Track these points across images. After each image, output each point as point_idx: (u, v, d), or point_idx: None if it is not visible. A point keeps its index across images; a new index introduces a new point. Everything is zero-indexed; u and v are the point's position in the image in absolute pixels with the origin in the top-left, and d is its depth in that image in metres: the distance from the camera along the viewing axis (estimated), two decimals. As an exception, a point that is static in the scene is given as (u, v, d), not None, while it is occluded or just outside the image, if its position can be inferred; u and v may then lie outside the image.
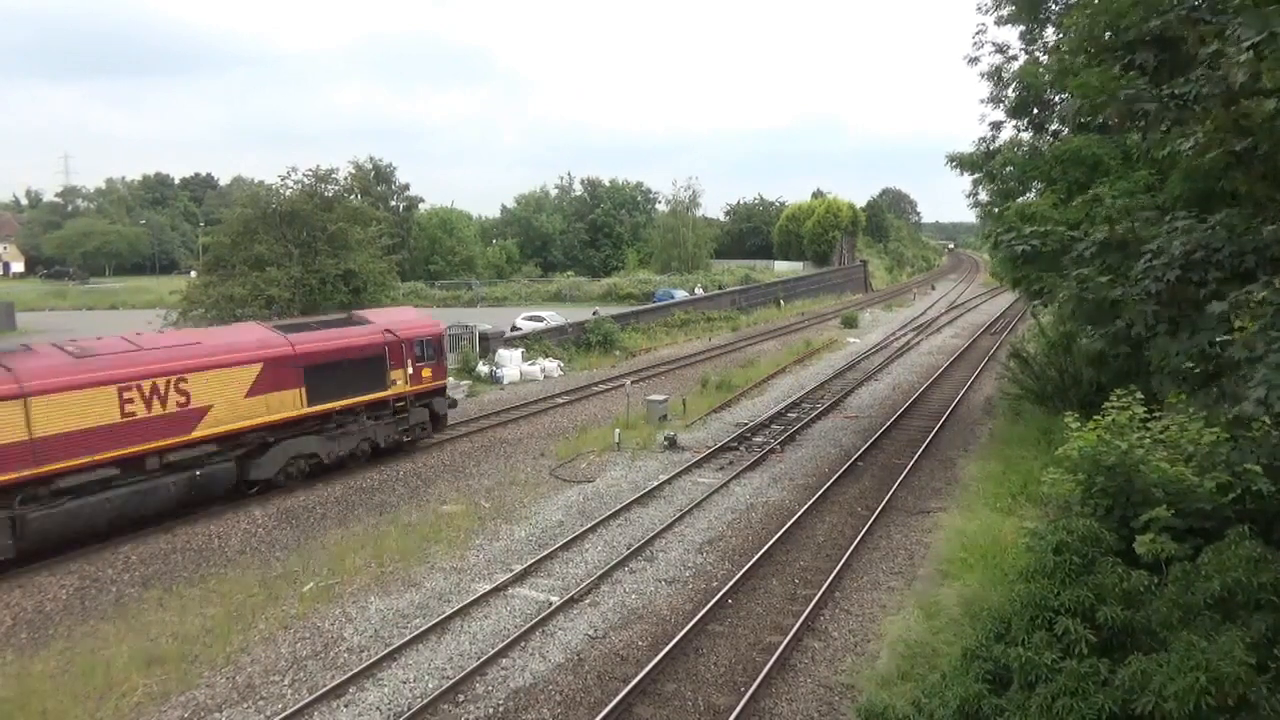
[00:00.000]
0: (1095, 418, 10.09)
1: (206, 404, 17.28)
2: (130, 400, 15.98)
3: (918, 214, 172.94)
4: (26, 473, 14.51)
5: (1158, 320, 10.30)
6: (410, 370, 21.92)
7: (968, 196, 22.82)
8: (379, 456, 21.63)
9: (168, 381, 16.62)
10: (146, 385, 16.25)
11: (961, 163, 21.93)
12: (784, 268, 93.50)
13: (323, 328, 20.69)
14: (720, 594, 13.35)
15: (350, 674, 11.21)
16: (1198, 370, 9.82)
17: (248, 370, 18.03)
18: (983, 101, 21.98)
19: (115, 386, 15.78)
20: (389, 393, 21.39)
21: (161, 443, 16.53)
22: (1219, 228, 9.82)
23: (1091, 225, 12.91)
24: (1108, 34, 11.79)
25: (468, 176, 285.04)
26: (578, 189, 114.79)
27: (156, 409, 16.40)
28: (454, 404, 24.72)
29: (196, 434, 17.13)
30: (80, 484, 15.35)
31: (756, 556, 14.78)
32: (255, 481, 18.77)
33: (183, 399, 16.85)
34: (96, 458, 15.47)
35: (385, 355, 21.20)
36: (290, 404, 18.91)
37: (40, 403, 14.62)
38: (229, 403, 17.69)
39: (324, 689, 10.84)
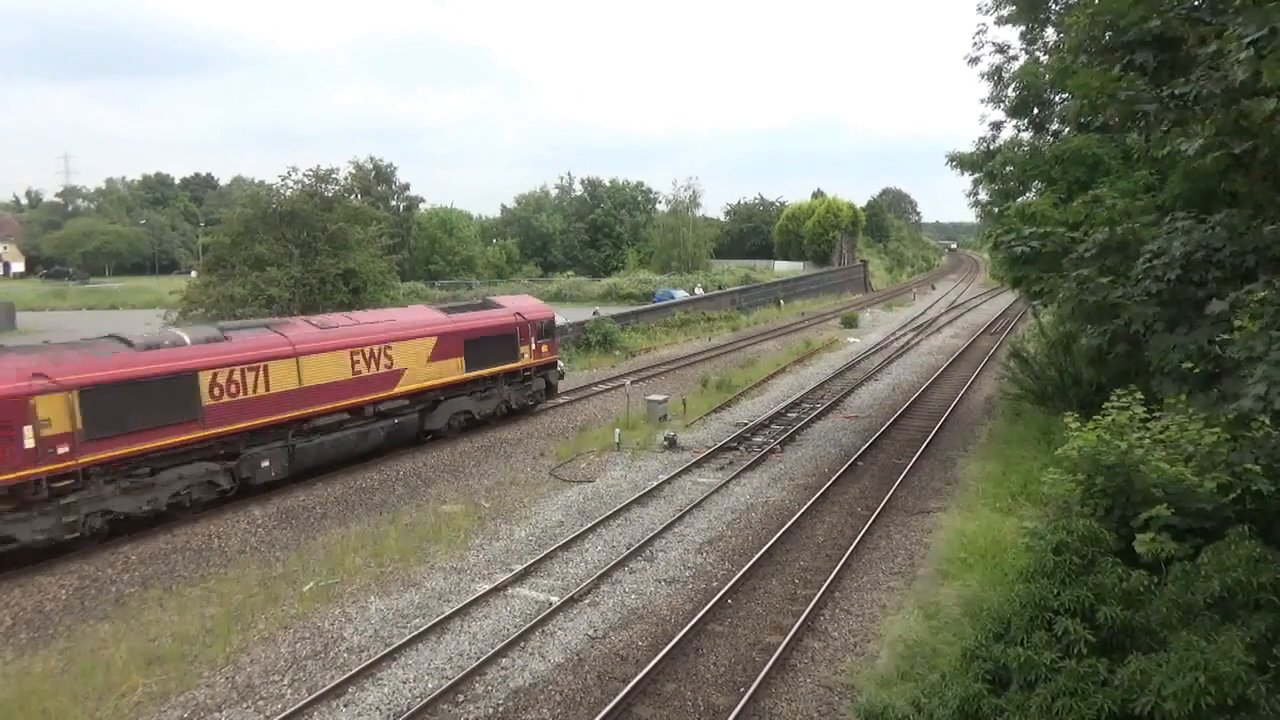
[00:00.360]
0: (1095, 418, 10.09)
1: (402, 368, 21.77)
2: (357, 362, 20.53)
3: (918, 214, 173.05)
4: (297, 413, 19.12)
5: (1157, 320, 10.30)
6: (533, 346, 26.43)
7: (968, 196, 22.85)
8: (509, 417, 26.09)
9: (379, 348, 21.06)
10: (366, 351, 20.74)
11: (961, 162, 21.93)
12: (784, 268, 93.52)
13: (472, 310, 25.71)
14: (720, 594, 13.34)
15: (350, 674, 11.21)
16: (1197, 370, 9.82)
17: (427, 342, 22.53)
18: (983, 101, 22.01)
19: (348, 350, 20.33)
20: (519, 364, 25.97)
21: (374, 396, 21.04)
22: (1219, 228, 9.82)
23: (1092, 226, 12.92)
24: (1108, 34, 11.79)
25: (468, 176, 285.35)
26: (578, 189, 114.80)
27: (372, 369, 20.91)
28: (563, 375, 28.91)
29: (396, 391, 21.64)
30: (327, 424, 19.93)
31: (756, 556, 14.78)
32: (429, 431, 23.28)
33: (388, 363, 21.32)
34: (336, 405, 20.03)
35: (516, 334, 25.79)
36: (454, 370, 23.45)
37: (306, 361, 19.20)
38: (415, 367, 22.15)
39: (324, 689, 10.84)
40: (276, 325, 19.89)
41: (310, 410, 19.33)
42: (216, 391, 17.40)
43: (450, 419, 23.67)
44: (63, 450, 14.83)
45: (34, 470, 14.43)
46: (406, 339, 21.88)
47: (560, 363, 28.45)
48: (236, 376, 17.74)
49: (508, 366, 25.47)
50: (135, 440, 16.04)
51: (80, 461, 15.12)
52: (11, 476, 14.17)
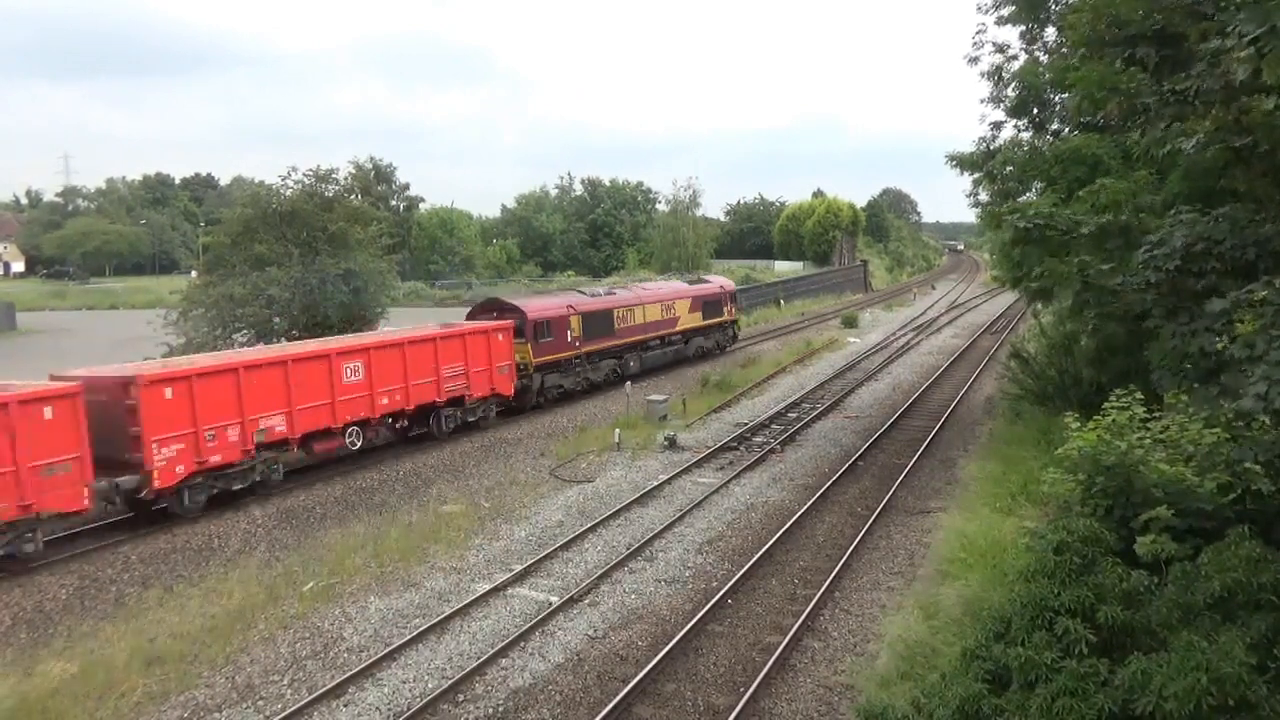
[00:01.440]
0: (1095, 418, 10.08)
1: (678, 316, 36.39)
2: (664, 310, 35.30)
3: (918, 214, 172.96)
4: (643, 337, 33.71)
5: (1156, 306, 10.26)
6: (729, 307, 41.12)
7: (968, 196, 22.82)
8: (684, 362, 36.81)
9: (669, 303, 35.96)
10: (665, 304, 35.61)
11: (961, 162, 21.90)
12: (784, 268, 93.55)
13: (702, 283, 40.68)
14: (720, 594, 13.34)
15: (350, 674, 11.20)
16: (1197, 366, 9.79)
17: (686, 301, 37.22)
18: (983, 101, 21.98)
19: (659, 303, 35.15)
20: (723, 319, 40.43)
21: (667, 332, 35.63)
22: (1221, 220, 9.79)
23: (1095, 214, 12.88)
24: (1109, 30, 11.77)
25: (468, 176, 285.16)
26: (578, 189, 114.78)
27: (667, 315, 35.55)
28: (738, 330, 43.76)
29: (675, 330, 36.31)
30: (650, 347, 34.30)
31: (756, 557, 14.77)
32: (687, 357, 37.15)
33: (672, 313, 36.05)
34: (655, 334, 34.64)
35: (723, 298, 40.27)
36: (698, 319, 37.91)
37: (649, 307, 34.29)
38: (683, 316, 36.74)
39: (324, 689, 10.84)
40: (631, 287, 36.76)
41: (646, 336, 34.09)
42: (620, 321, 32.28)
43: (696, 348, 37.96)
44: (578, 343, 29.61)
45: (573, 352, 29.51)
46: (679, 298, 36.84)
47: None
48: (626, 313, 32.78)
49: (718, 320, 39.86)
50: (597, 342, 30.82)
51: (582, 350, 29.95)
52: (569, 354, 29.32)
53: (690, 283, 39.91)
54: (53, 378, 16.82)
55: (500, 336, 25.45)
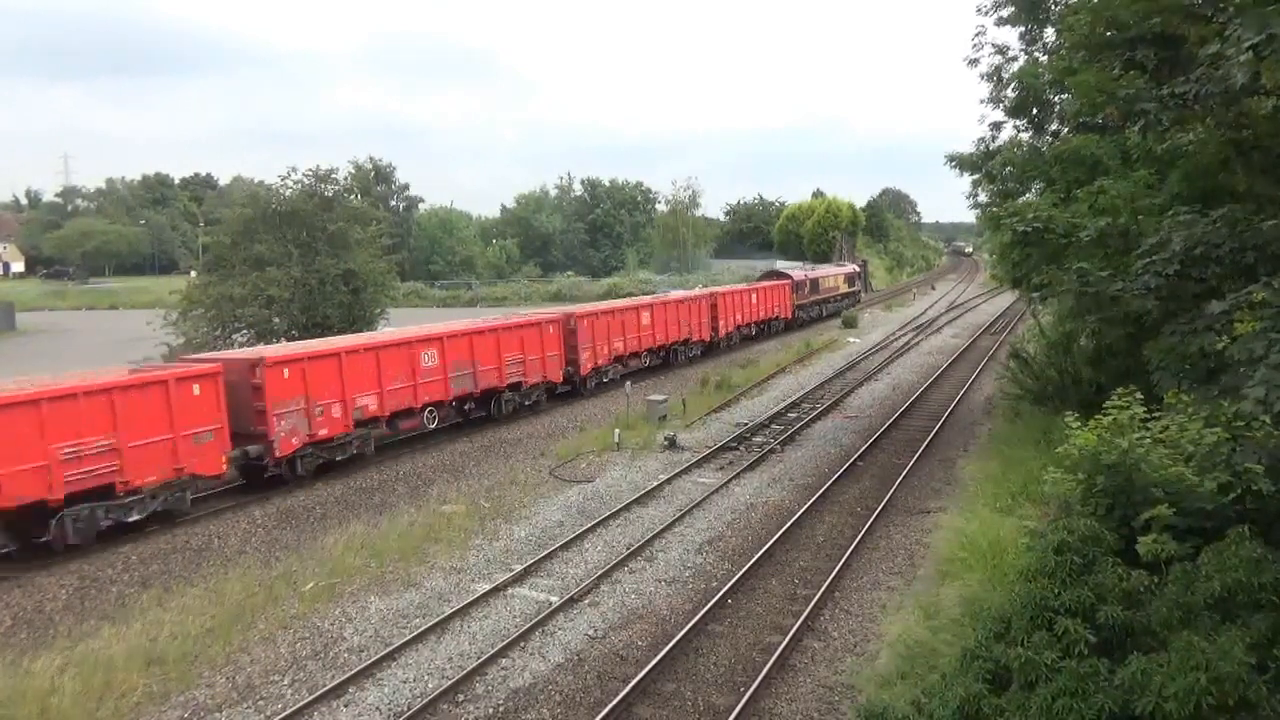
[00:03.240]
0: (1096, 418, 10.08)
1: (840, 283, 61.19)
2: (835, 280, 60.73)
3: (918, 214, 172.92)
4: (830, 295, 58.71)
5: (1155, 312, 10.28)
6: (855, 284, 64.48)
7: (968, 197, 22.84)
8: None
9: (840, 276, 61.88)
10: (837, 277, 61.34)
11: (961, 163, 21.91)
12: (784, 268, 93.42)
13: (851, 265, 71.23)
14: (720, 594, 13.34)
15: (350, 674, 11.21)
16: (1197, 366, 9.80)
17: (845, 276, 63.30)
18: (982, 102, 22.00)
19: (835, 276, 61.04)
20: (856, 289, 65.28)
21: (838, 292, 60.11)
22: (1220, 223, 9.81)
23: (1094, 215, 12.89)
24: (1108, 32, 11.79)
25: (468, 176, 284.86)
26: (578, 189, 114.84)
27: (839, 282, 61.16)
28: (859, 298, 65.77)
29: (841, 292, 60.84)
30: (833, 300, 58.34)
31: (756, 556, 14.78)
32: (844, 305, 58.79)
33: (840, 281, 61.32)
34: (833, 294, 59.18)
35: (855, 276, 65.81)
36: (848, 287, 62.50)
37: (832, 278, 60.70)
38: (839, 286, 60.81)
39: (324, 689, 10.84)
40: (822, 267, 63.17)
41: (831, 294, 58.12)
42: (824, 285, 56.42)
43: (849, 301, 59.52)
44: (809, 295, 53.81)
45: (808, 300, 53.90)
46: (844, 274, 61.94)
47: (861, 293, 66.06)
48: (826, 281, 58.24)
49: (856, 288, 63.74)
50: (815, 295, 54.85)
51: (809, 299, 53.49)
52: (807, 300, 53.86)
53: (839, 265, 70.39)
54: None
55: (551, 329, 27.83)
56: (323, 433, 19.98)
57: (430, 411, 23.28)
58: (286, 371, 19.06)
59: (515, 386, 26.38)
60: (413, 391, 22.39)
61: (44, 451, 14.93)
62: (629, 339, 32.51)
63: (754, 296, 44.62)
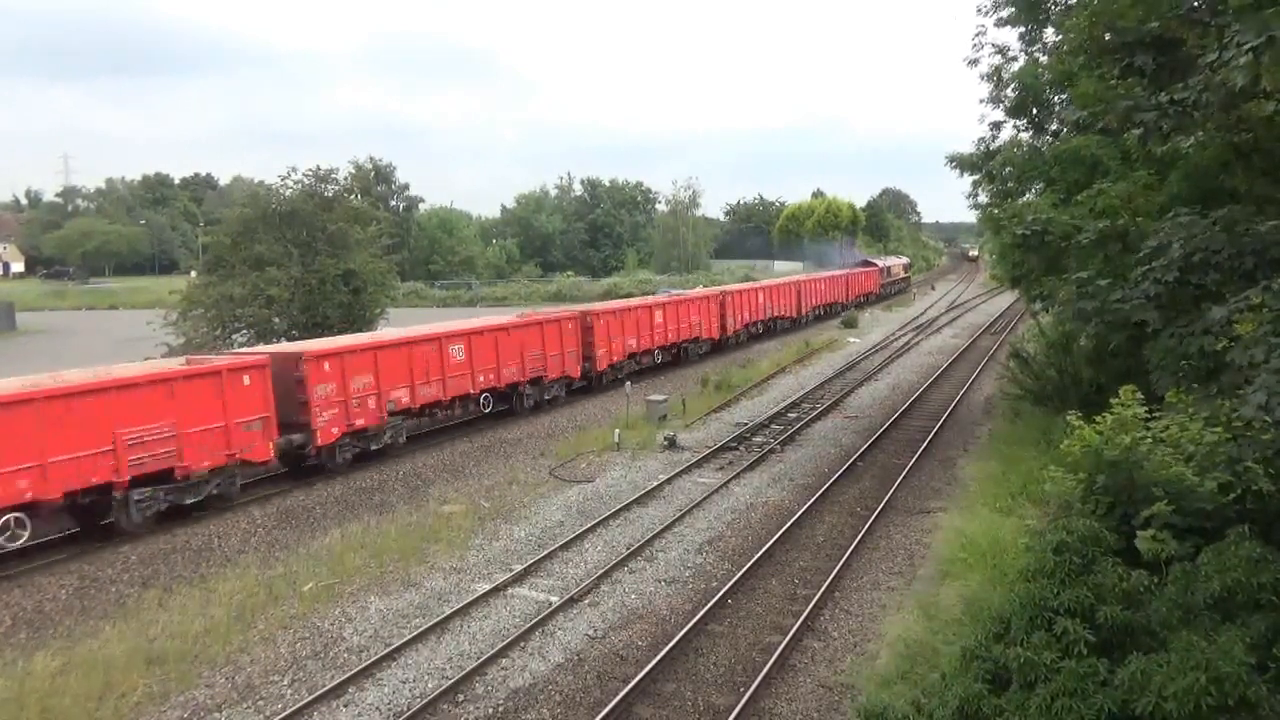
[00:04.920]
0: (1100, 416, 10.08)
1: (900, 270, 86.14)
2: (898, 269, 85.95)
3: (917, 214, 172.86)
4: (895, 279, 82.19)
5: (1155, 321, 10.29)
6: (905, 273, 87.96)
7: (968, 197, 22.83)
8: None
9: (898, 266, 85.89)
10: (897, 266, 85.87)
11: (961, 163, 21.90)
12: (784, 268, 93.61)
13: (904, 259, 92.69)
14: (720, 594, 13.34)
15: (350, 674, 11.20)
16: (1196, 367, 9.80)
17: (899, 267, 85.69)
18: (982, 102, 21.99)
19: (898, 266, 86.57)
20: (909, 275, 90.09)
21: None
22: (1218, 227, 9.81)
23: (1094, 217, 12.89)
24: (1107, 35, 11.79)
25: (468, 176, 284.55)
26: (578, 189, 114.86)
27: (900, 270, 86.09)
28: (910, 281, 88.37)
29: (899, 277, 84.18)
30: (898, 284, 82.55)
31: (756, 556, 14.78)
32: (899, 289, 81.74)
33: (900, 270, 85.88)
34: (899, 279, 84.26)
35: (909, 265, 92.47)
36: (905, 274, 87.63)
37: (896, 266, 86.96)
38: (901, 272, 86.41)
39: (324, 689, 10.84)
40: (887, 258, 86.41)
41: (897, 278, 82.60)
42: (892, 270, 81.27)
43: (903, 288, 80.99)
44: (881, 279, 76.20)
45: (886, 282, 77.95)
46: (903, 264, 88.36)
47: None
48: (894, 269, 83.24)
49: (906, 275, 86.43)
50: (890, 279, 79.94)
51: (882, 285, 76.06)
52: (887, 281, 79.16)
53: (898, 255, 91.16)
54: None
55: (570, 325, 28.84)
56: (359, 423, 20.83)
57: (462, 403, 24.54)
58: (327, 365, 20.10)
59: (536, 381, 27.32)
60: (442, 384, 23.42)
61: (111, 437, 15.86)
62: (683, 326, 36.94)
63: (847, 281, 64.66)
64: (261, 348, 22.34)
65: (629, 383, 29.10)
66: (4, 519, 14.55)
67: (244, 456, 18.11)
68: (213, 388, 17.57)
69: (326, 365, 20.06)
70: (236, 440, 17.85)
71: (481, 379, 24.82)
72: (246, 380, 18.15)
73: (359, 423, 20.84)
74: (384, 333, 26.52)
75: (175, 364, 18.24)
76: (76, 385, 15.67)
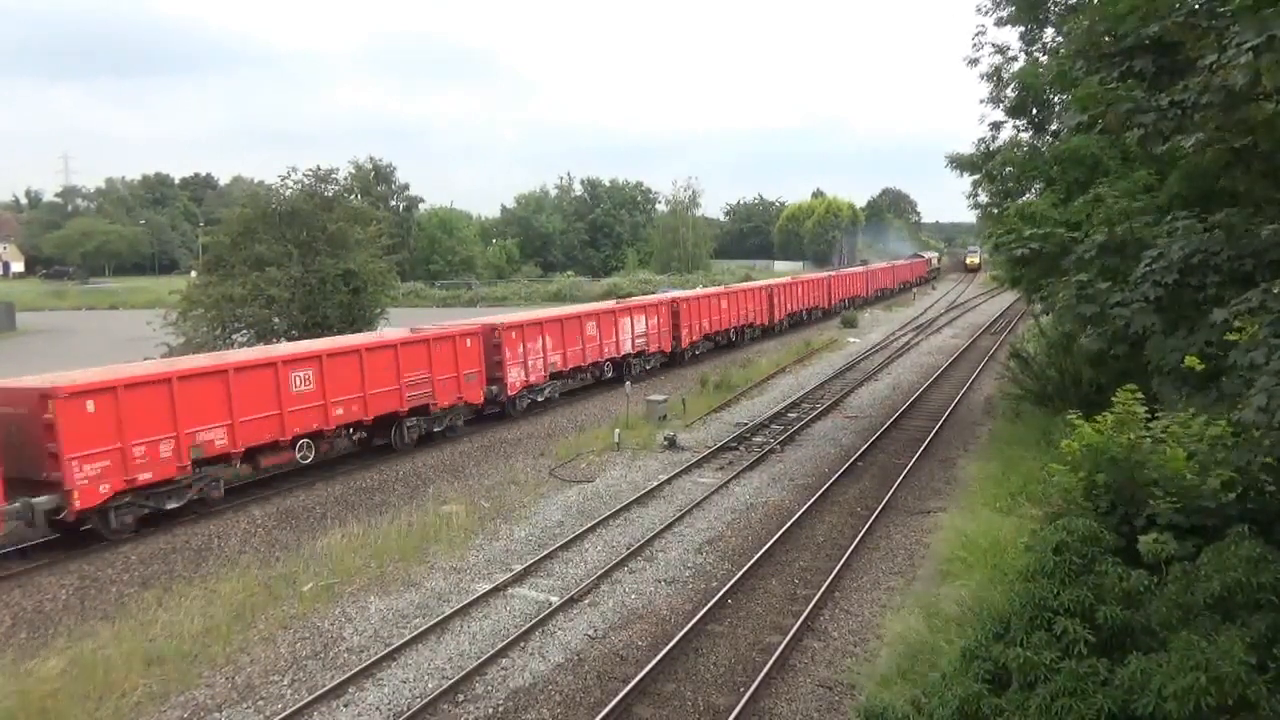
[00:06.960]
0: (1101, 415, 10.07)
1: (930, 263, 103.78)
2: (929, 262, 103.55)
3: (917, 214, 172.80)
4: (928, 271, 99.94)
5: (1155, 325, 10.28)
6: (937, 265, 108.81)
7: (968, 198, 22.83)
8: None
9: (926, 260, 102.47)
10: (923, 262, 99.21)
11: (961, 163, 21.90)
12: (784, 268, 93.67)
13: (932, 254, 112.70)
14: (720, 594, 13.35)
15: (350, 674, 11.21)
16: (1197, 370, 9.79)
17: (921, 266, 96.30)
18: (982, 102, 22.00)
19: (925, 261, 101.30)
20: (937, 268, 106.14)
21: (915, 279, 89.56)
22: (1218, 230, 9.81)
23: (1092, 226, 12.90)
24: (1106, 38, 11.79)
25: (468, 176, 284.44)
26: (578, 189, 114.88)
27: (906, 271, 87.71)
28: (937, 273, 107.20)
29: (916, 278, 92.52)
30: (927, 277, 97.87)
31: (756, 556, 14.78)
32: (928, 279, 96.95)
33: (926, 264, 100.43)
34: (933, 269, 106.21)
35: (935, 259, 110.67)
36: (923, 271, 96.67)
37: (931, 260, 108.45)
38: (922, 270, 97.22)
39: (324, 689, 10.85)
40: (926, 253, 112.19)
41: (930, 271, 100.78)
42: (931, 265, 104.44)
43: (935, 276, 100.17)
44: (923, 270, 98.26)
45: (926, 271, 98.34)
46: (933, 256, 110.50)
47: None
48: (931, 261, 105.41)
49: (937, 267, 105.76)
50: (922, 271, 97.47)
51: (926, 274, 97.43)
52: (926, 272, 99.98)
53: (923, 256, 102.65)
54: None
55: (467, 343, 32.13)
56: (534, 378, 27.24)
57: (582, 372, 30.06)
58: (514, 334, 26.28)
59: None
60: (568, 355, 28.95)
61: (398, 379, 21.97)
62: (750, 311, 44.17)
63: (895, 271, 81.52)
64: (465, 321, 27.31)
65: (629, 382, 29.11)
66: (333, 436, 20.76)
67: (466, 400, 24.16)
68: (451, 348, 23.58)
69: (514, 334, 26.27)
70: (463, 387, 23.93)
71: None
72: (468, 343, 24.20)
73: (534, 377, 27.18)
74: (575, 307, 33.28)
75: (400, 333, 24.04)
76: (380, 341, 22.14)
